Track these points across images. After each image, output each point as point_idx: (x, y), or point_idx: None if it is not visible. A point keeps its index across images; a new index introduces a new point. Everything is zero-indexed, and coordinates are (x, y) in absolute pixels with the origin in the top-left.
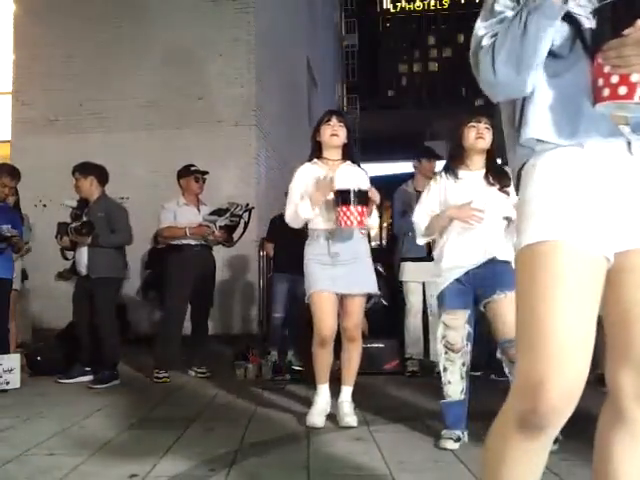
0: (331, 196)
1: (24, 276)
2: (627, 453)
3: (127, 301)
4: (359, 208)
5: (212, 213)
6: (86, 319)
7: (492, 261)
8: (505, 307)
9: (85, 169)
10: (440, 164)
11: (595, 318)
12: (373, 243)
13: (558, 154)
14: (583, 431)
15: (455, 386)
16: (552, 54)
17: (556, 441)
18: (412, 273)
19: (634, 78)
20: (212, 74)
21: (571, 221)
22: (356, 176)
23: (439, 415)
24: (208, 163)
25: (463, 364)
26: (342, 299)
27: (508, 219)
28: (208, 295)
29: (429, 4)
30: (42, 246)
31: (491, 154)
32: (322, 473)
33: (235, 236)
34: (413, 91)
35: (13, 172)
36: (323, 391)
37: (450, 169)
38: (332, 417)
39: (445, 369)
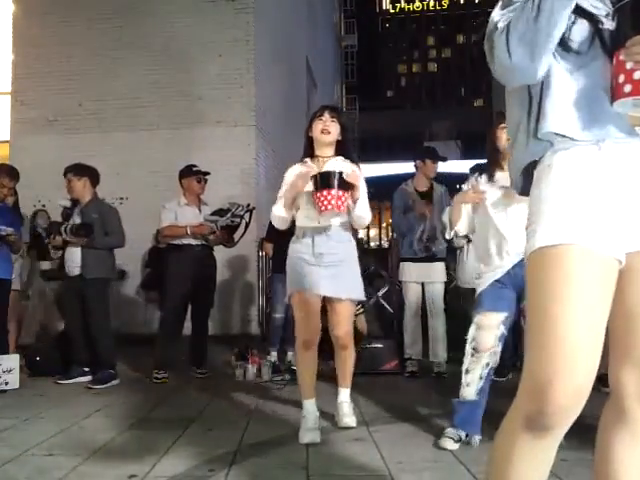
0: (311, 187)
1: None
2: (628, 453)
3: (127, 301)
4: (338, 192)
5: (213, 213)
6: (79, 319)
7: None
8: None
9: (79, 170)
10: (442, 165)
11: (606, 320)
12: (373, 243)
13: (573, 154)
14: (583, 431)
15: (472, 387)
16: (570, 50)
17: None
18: (411, 273)
19: None
20: (212, 74)
21: (584, 224)
22: (344, 168)
23: (441, 414)
24: (208, 163)
25: (487, 364)
26: (329, 304)
27: None
28: (208, 295)
29: (428, 5)
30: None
31: None
32: (321, 473)
33: (236, 237)
34: (412, 91)
35: (12, 172)
36: (310, 408)
37: (486, 171)
38: (331, 418)
39: (467, 371)
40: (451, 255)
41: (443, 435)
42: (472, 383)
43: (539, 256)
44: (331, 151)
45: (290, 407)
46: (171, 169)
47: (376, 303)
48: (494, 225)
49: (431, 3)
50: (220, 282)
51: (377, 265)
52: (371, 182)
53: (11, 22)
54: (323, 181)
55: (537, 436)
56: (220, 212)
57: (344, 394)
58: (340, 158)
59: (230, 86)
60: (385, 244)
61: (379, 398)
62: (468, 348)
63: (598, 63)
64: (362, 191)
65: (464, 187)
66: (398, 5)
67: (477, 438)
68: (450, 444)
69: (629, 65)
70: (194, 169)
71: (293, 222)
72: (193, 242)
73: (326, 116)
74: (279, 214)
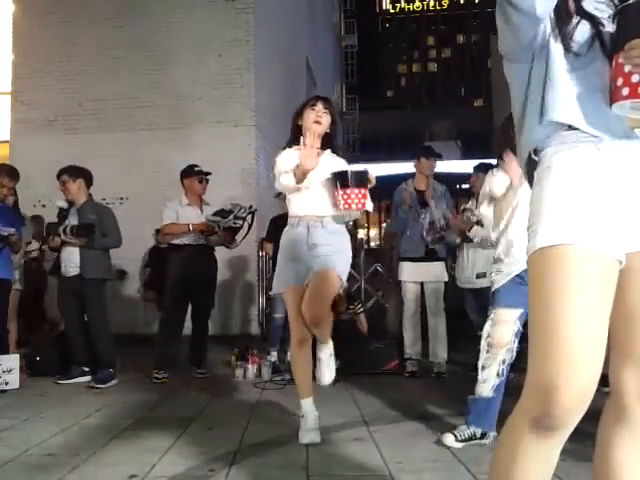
0: (312, 181)
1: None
2: (628, 452)
3: (127, 301)
4: (360, 190)
5: (215, 214)
6: (77, 319)
7: None
8: None
9: (73, 172)
10: (441, 164)
11: (608, 320)
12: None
13: (572, 155)
14: (583, 431)
15: (488, 383)
16: (570, 50)
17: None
18: (410, 273)
19: None
20: (212, 74)
21: (585, 224)
22: (337, 165)
23: (441, 414)
24: (208, 163)
25: (503, 361)
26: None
27: None
28: (209, 295)
29: (428, 5)
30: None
31: None
32: (321, 473)
33: (238, 238)
34: (412, 91)
35: (12, 172)
36: (309, 407)
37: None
38: (330, 418)
39: (483, 367)
40: (450, 255)
41: (447, 431)
42: (489, 380)
43: (540, 257)
44: (318, 142)
45: (290, 407)
46: (171, 169)
47: (376, 303)
48: (519, 219)
49: (431, 3)
50: (220, 282)
51: (378, 265)
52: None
53: (11, 22)
54: (347, 179)
55: (542, 436)
56: (222, 213)
57: (324, 349)
58: (328, 152)
59: (230, 86)
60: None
61: (379, 398)
62: (483, 344)
63: (596, 65)
64: None
65: (486, 186)
66: (398, 5)
67: (492, 434)
68: (450, 440)
69: (627, 68)
70: (196, 169)
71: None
72: (194, 242)
73: (319, 106)
74: (288, 183)
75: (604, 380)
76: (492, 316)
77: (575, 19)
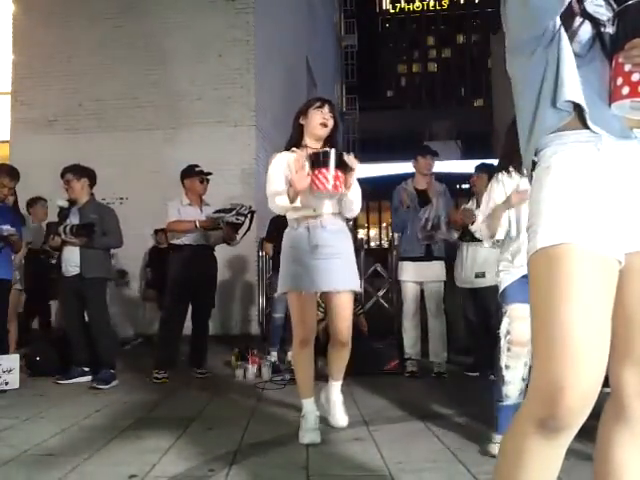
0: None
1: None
2: (628, 452)
3: (127, 301)
4: (337, 172)
5: (216, 212)
6: (78, 319)
7: None
8: None
9: (78, 171)
10: (441, 164)
11: (610, 320)
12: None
13: (571, 155)
14: (583, 431)
15: (515, 386)
16: (572, 50)
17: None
18: (410, 273)
19: None
20: (212, 74)
21: (585, 224)
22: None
23: (442, 414)
24: (208, 163)
25: (525, 363)
26: (326, 298)
27: None
28: (209, 295)
29: (428, 5)
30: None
31: None
32: (321, 473)
33: (238, 235)
34: (412, 91)
35: (12, 172)
36: (309, 407)
37: (507, 168)
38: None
39: (507, 367)
40: (450, 255)
41: (490, 442)
42: (514, 382)
43: (540, 257)
44: (320, 144)
45: (290, 407)
46: (171, 169)
47: (376, 303)
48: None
49: (431, 3)
50: (220, 282)
51: (378, 265)
52: (371, 182)
53: (11, 22)
54: (320, 159)
55: (548, 438)
56: (224, 211)
57: (337, 389)
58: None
59: (230, 86)
60: (385, 244)
61: (379, 398)
62: (503, 343)
63: (596, 65)
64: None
65: (494, 185)
66: (398, 5)
67: None
68: (496, 450)
69: (627, 67)
70: (197, 169)
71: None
72: (194, 242)
73: (326, 109)
74: (284, 204)
75: (605, 381)
76: (508, 313)
77: (579, 20)
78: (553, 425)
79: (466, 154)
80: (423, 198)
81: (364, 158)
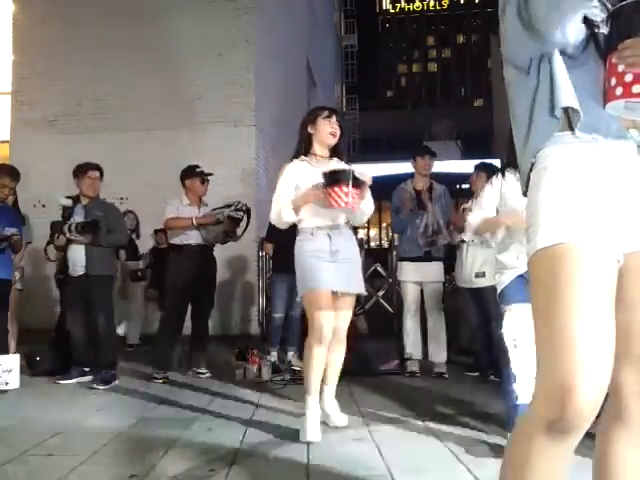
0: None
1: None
2: (627, 452)
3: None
4: (351, 189)
5: (214, 210)
6: (81, 319)
7: None
8: None
9: (100, 170)
10: (441, 164)
11: (613, 318)
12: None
13: (568, 156)
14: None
15: (527, 384)
16: (564, 53)
17: None
18: (410, 273)
19: None
20: (212, 74)
21: (585, 223)
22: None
23: (442, 414)
24: (208, 163)
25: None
26: (335, 298)
27: None
28: (208, 295)
29: (428, 5)
30: (41, 246)
31: None
32: (321, 473)
33: (238, 231)
34: (412, 91)
35: (13, 173)
36: (315, 404)
37: (505, 172)
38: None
39: (516, 365)
40: (452, 255)
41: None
42: (525, 378)
43: (541, 257)
44: (327, 152)
45: (290, 407)
46: (171, 169)
47: (376, 303)
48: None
49: (431, 3)
50: (220, 282)
51: (378, 265)
52: (371, 182)
53: (11, 22)
54: (337, 178)
55: (556, 440)
56: (223, 207)
57: (331, 392)
58: (335, 159)
59: (230, 86)
60: (385, 244)
61: (379, 398)
62: (509, 342)
63: (590, 66)
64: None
65: (488, 187)
66: (398, 5)
67: None
68: None
69: (620, 68)
70: (197, 170)
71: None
72: (193, 242)
73: (333, 119)
74: (290, 219)
75: None
76: (508, 313)
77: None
78: (561, 427)
79: (466, 154)
80: (421, 200)
81: (364, 158)
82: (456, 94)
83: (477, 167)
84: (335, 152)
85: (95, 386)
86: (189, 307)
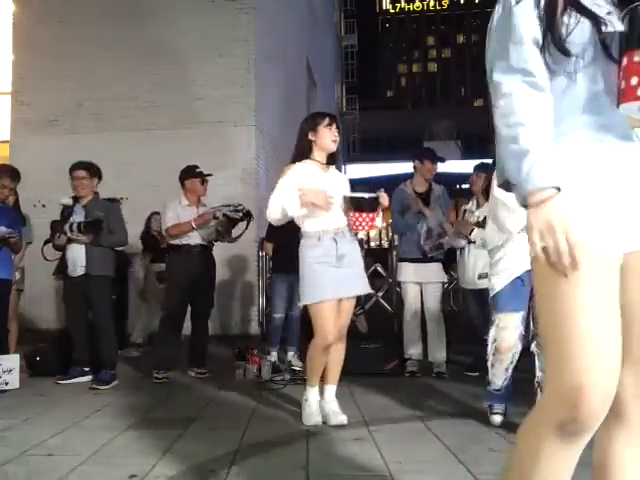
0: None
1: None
2: (627, 453)
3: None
4: (370, 214)
5: (214, 208)
6: (82, 319)
7: None
8: None
9: (90, 169)
10: (439, 164)
11: (619, 317)
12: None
13: (570, 155)
14: None
15: (499, 378)
16: (569, 53)
17: None
18: (410, 274)
19: None
20: (212, 74)
21: (587, 222)
22: (343, 182)
23: (441, 414)
24: (208, 163)
25: (511, 362)
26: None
27: None
28: (208, 295)
29: (428, 4)
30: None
31: None
32: (321, 473)
33: (234, 233)
34: (412, 91)
35: (13, 173)
36: (315, 392)
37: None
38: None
39: (492, 365)
40: (451, 256)
41: (491, 412)
42: (498, 376)
43: (539, 256)
44: (325, 158)
45: (290, 407)
46: (171, 169)
47: (376, 303)
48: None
49: (431, 3)
50: (220, 282)
51: (378, 265)
52: (371, 182)
53: (11, 22)
54: (364, 204)
55: (567, 441)
56: (222, 206)
57: (332, 391)
58: (333, 167)
59: (230, 86)
60: (385, 244)
61: (379, 398)
62: (490, 348)
63: (597, 65)
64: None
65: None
66: (398, 5)
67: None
68: (497, 420)
69: None
70: (197, 170)
71: (296, 227)
72: (192, 242)
73: (334, 127)
74: (293, 213)
75: None
76: (497, 322)
77: (574, 17)
78: (574, 429)
79: (466, 154)
80: (422, 201)
81: (364, 158)
82: (456, 94)
83: (477, 167)
84: (331, 157)
85: (95, 386)
86: (189, 307)
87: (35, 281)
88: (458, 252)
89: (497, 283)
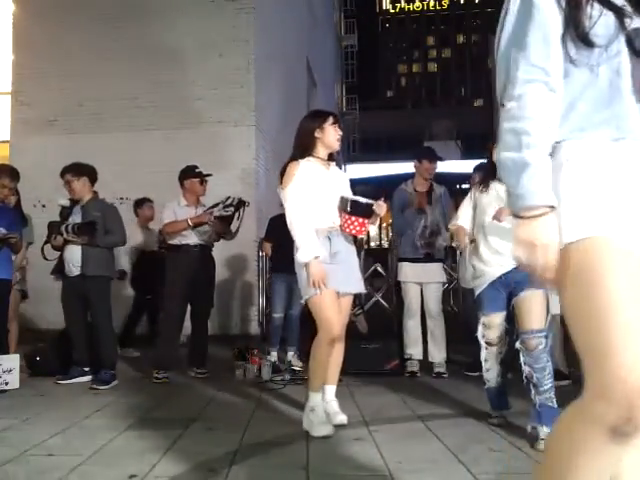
0: (328, 193)
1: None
2: (627, 451)
3: (127, 301)
4: (362, 220)
5: (207, 210)
6: (81, 319)
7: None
8: (529, 301)
9: (77, 170)
10: (441, 164)
11: None
12: (373, 243)
13: (587, 149)
14: None
15: (492, 372)
16: (593, 45)
17: None
18: (410, 274)
19: None
20: (212, 74)
21: (610, 216)
22: (344, 179)
23: (442, 414)
24: (208, 163)
25: (500, 352)
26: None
27: None
28: (208, 295)
29: (428, 4)
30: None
31: None
32: (321, 473)
33: (232, 228)
34: (412, 91)
35: (12, 173)
36: (319, 400)
37: (483, 182)
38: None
39: (486, 360)
40: (451, 255)
41: (491, 417)
42: (492, 369)
43: (569, 252)
44: (327, 155)
45: (290, 407)
46: (171, 169)
47: (376, 303)
48: (487, 235)
49: (431, 3)
50: (220, 282)
51: (378, 265)
52: (371, 182)
53: (11, 22)
54: (359, 210)
55: (619, 441)
56: (213, 206)
57: (332, 391)
58: (334, 164)
59: (230, 86)
60: (385, 244)
61: (379, 398)
62: (482, 342)
63: (621, 60)
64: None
65: (466, 199)
66: (398, 5)
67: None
68: (497, 421)
69: None
70: (197, 170)
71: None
72: (191, 242)
73: (337, 126)
74: (304, 260)
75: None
76: (483, 320)
77: (595, 10)
78: (629, 429)
79: (466, 154)
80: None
81: (364, 158)
82: (456, 94)
83: (477, 167)
84: (331, 155)
85: (95, 386)
86: (189, 307)
87: (36, 281)
88: (458, 252)
89: (478, 284)
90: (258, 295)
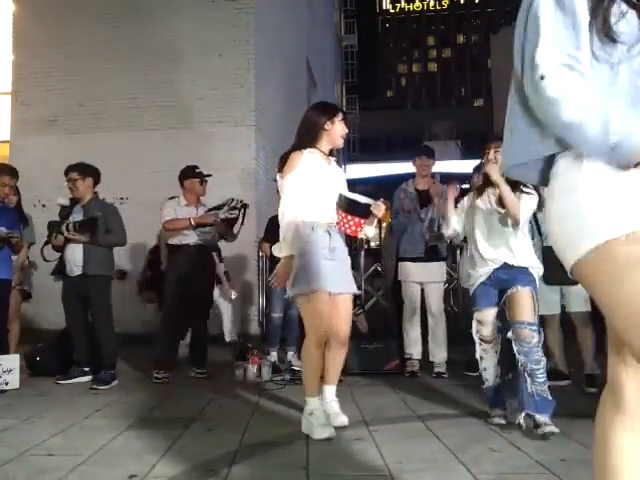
0: (327, 188)
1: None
2: (627, 442)
3: (127, 301)
4: (358, 219)
5: (209, 210)
6: (81, 319)
7: (508, 265)
8: (519, 296)
9: (83, 170)
10: (441, 164)
11: None
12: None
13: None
14: (581, 431)
15: (490, 371)
16: (616, 41)
17: None
18: (410, 273)
19: None
20: (212, 74)
21: (633, 216)
22: (342, 177)
23: (442, 414)
24: (208, 163)
25: (496, 352)
26: (331, 298)
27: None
28: (208, 295)
29: (428, 4)
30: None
31: None
32: (321, 473)
33: (234, 230)
34: (412, 91)
35: (12, 171)
36: (318, 404)
37: (478, 189)
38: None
39: (481, 358)
40: (451, 255)
41: (491, 416)
42: (489, 368)
43: (617, 246)
44: (329, 150)
45: (290, 407)
46: (171, 169)
47: (376, 303)
48: (481, 235)
49: (431, 3)
50: None
51: (378, 265)
52: (371, 182)
53: (11, 22)
54: (358, 210)
55: None
56: (216, 208)
57: (332, 392)
58: (333, 159)
59: (230, 86)
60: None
61: (379, 398)
62: (476, 339)
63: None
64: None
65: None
66: (398, 5)
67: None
68: (498, 420)
69: None
70: (197, 170)
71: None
72: (191, 242)
73: (344, 124)
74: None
75: (590, 381)
76: (476, 316)
77: (621, 10)
78: None
79: (466, 154)
80: (424, 198)
81: (364, 158)
82: (456, 94)
83: (477, 167)
84: (331, 151)
85: (95, 386)
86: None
87: (36, 281)
88: (458, 252)
89: (472, 282)
90: (258, 295)
